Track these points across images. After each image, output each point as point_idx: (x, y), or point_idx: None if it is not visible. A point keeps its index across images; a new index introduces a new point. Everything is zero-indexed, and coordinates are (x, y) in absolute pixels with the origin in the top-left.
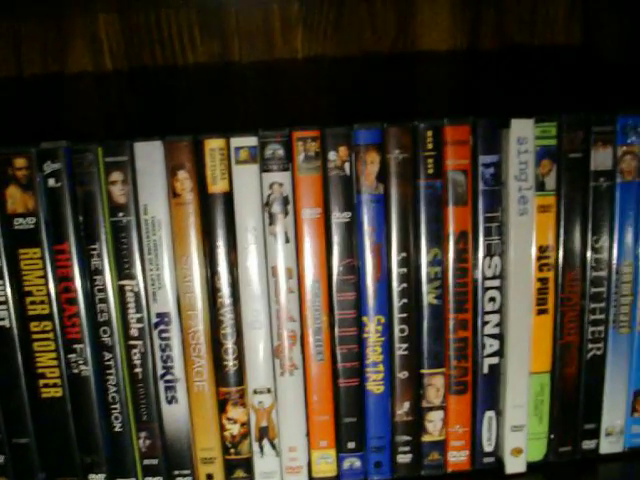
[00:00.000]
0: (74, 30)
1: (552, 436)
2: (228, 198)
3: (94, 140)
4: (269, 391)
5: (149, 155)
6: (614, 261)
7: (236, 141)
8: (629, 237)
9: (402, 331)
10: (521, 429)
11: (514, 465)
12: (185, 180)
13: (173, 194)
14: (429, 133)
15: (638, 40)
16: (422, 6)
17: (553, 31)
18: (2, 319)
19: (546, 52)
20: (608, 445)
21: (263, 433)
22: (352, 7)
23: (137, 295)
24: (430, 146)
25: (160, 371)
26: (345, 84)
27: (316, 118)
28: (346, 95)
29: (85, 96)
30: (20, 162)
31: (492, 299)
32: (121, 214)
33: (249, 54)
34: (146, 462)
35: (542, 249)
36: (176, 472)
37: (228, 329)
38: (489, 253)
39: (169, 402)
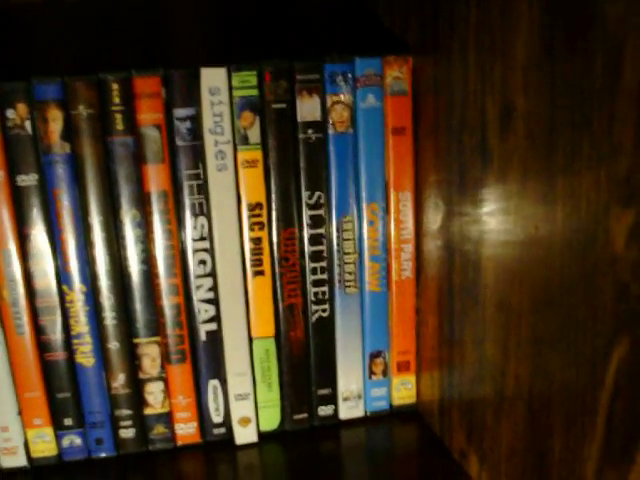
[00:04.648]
0: None
1: (285, 403)
2: None
3: None
4: None
5: None
6: (333, 217)
7: None
8: (348, 191)
9: (109, 299)
10: (247, 397)
11: (244, 435)
12: None
13: None
14: (116, 86)
15: None
16: None
17: None
18: None
19: None
20: (347, 410)
21: None
22: None
23: None
24: (117, 100)
25: None
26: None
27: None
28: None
29: None
30: None
31: (202, 262)
32: None
33: None
34: None
35: (251, 207)
36: None
37: None
38: (194, 213)
39: None
